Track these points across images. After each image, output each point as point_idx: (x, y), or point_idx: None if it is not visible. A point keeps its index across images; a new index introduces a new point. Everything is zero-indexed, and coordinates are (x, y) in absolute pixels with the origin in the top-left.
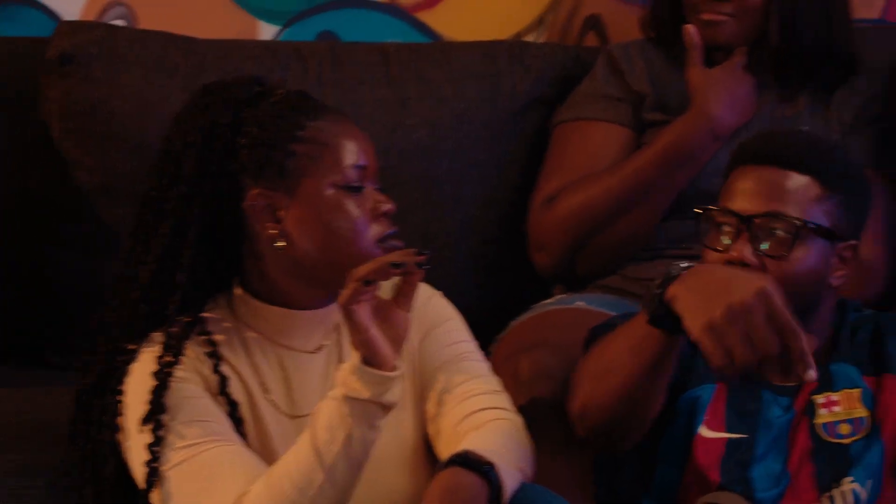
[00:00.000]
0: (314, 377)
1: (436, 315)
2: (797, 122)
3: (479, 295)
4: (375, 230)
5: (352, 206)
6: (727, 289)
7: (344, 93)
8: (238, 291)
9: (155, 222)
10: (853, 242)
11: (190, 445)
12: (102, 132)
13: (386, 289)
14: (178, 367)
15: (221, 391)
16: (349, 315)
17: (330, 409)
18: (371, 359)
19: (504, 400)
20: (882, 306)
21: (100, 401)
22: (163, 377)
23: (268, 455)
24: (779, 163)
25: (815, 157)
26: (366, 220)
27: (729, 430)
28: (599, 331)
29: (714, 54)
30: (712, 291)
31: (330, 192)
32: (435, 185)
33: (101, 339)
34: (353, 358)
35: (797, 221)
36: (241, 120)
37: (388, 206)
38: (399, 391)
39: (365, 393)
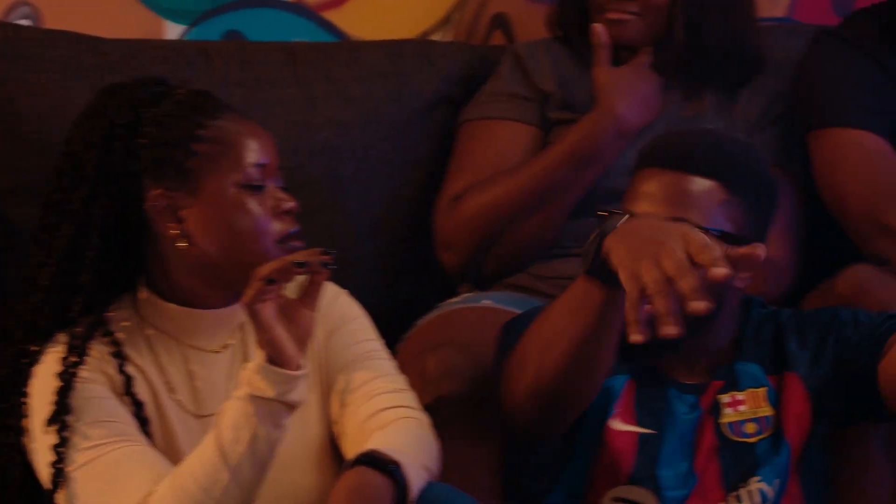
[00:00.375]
0: (219, 376)
1: (341, 314)
2: (702, 120)
3: (385, 294)
4: (277, 229)
5: (253, 205)
6: (655, 237)
7: (251, 92)
8: (143, 292)
9: (57, 223)
10: (756, 245)
11: (95, 446)
12: (8, 132)
13: (291, 288)
14: (83, 367)
15: (126, 391)
16: (253, 314)
17: (235, 408)
18: (276, 358)
19: (410, 398)
20: (788, 304)
21: (5, 404)
22: (67, 378)
23: (173, 455)
24: (683, 167)
25: (720, 161)
26: (268, 218)
27: (640, 425)
28: (513, 326)
29: (620, 53)
30: (643, 241)
31: (231, 191)
32: (342, 184)
33: (5, 341)
34: (257, 357)
35: (700, 228)
36: (140, 120)
37: (290, 205)
38: (304, 390)
39: (269, 392)
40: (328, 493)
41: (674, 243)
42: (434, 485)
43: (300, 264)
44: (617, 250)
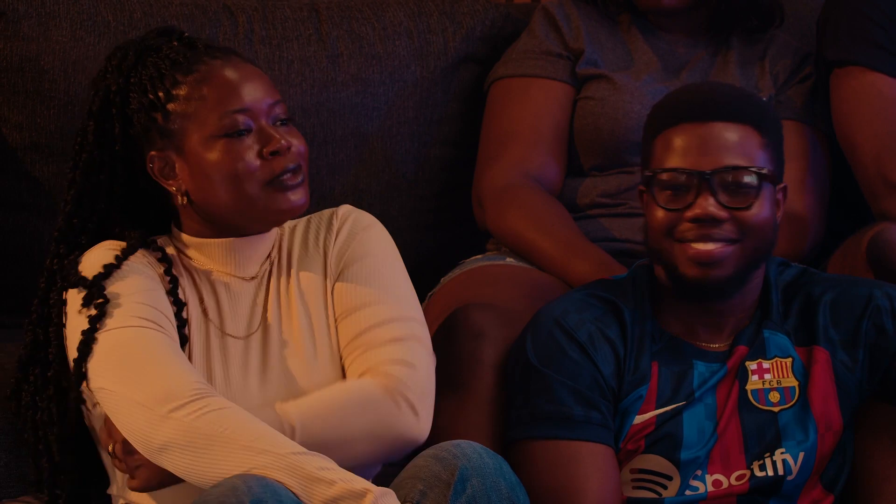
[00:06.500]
0: (245, 301)
1: (358, 248)
2: (730, 75)
3: (409, 252)
4: (264, 171)
5: (234, 152)
6: None
7: (274, 50)
8: (176, 233)
9: (68, 186)
10: (783, 184)
11: (128, 321)
12: (31, 89)
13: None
14: (131, 261)
15: (170, 291)
16: None
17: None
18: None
19: (411, 347)
20: (814, 260)
21: (41, 353)
22: (117, 261)
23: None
24: (719, 117)
25: (750, 107)
26: (252, 161)
27: (658, 407)
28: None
29: (661, 20)
30: None
31: (211, 142)
32: (365, 142)
33: (35, 300)
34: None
35: (756, 170)
36: (129, 85)
37: (273, 146)
38: None
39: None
40: None
41: None
42: (465, 444)
43: None
44: None
